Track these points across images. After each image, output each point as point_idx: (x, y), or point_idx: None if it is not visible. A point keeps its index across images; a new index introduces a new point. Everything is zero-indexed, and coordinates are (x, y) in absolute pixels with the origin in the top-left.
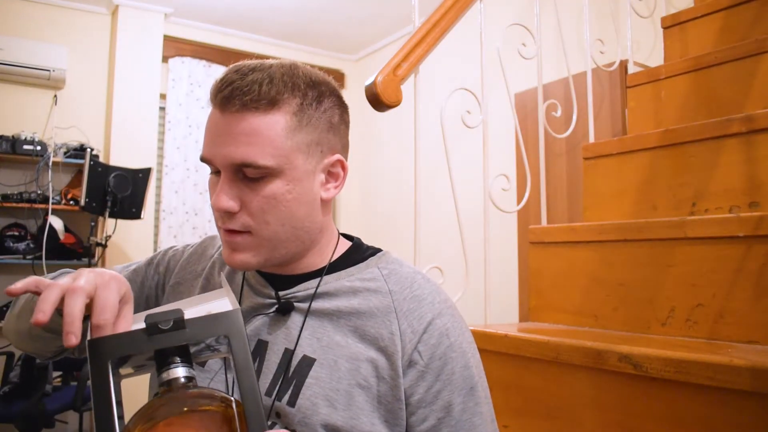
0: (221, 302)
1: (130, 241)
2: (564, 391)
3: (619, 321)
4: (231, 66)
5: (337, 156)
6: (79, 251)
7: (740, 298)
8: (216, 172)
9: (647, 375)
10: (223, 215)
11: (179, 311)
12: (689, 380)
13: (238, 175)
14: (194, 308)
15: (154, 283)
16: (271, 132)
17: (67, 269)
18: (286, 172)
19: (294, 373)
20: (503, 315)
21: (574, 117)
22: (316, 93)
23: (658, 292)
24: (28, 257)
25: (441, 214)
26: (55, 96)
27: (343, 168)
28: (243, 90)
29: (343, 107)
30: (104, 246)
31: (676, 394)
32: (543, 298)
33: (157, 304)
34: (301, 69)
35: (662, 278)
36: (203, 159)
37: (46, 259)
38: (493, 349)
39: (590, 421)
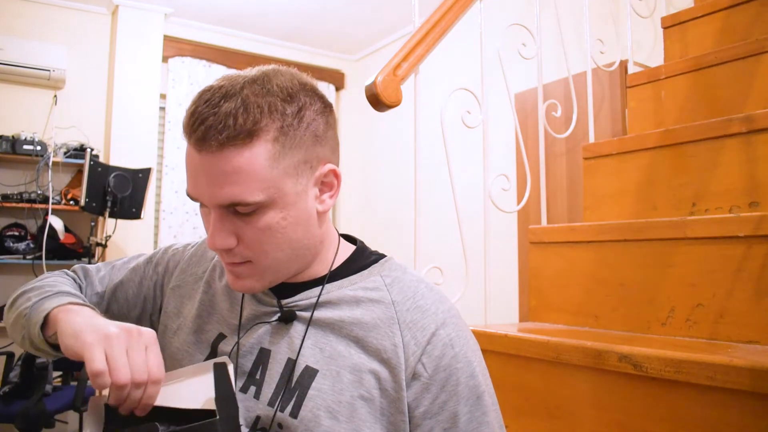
0: (206, 380)
1: (130, 241)
2: (564, 391)
3: (619, 321)
4: (201, 93)
5: (329, 166)
6: (79, 251)
7: (740, 298)
8: (205, 205)
9: (647, 375)
10: (220, 251)
11: (154, 426)
12: (689, 380)
13: (229, 210)
14: (179, 383)
15: (152, 283)
16: (255, 166)
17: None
18: (277, 200)
19: (296, 384)
20: (503, 315)
21: (574, 117)
22: (296, 108)
23: (658, 292)
24: (28, 257)
25: (441, 214)
26: (55, 96)
27: (336, 176)
28: (218, 128)
29: (326, 111)
30: (104, 246)
31: (676, 394)
32: (543, 298)
33: (155, 305)
34: (275, 81)
35: (662, 278)
36: (189, 195)
37: (46, 259)
38: (493, 349)
39: (590, 421)
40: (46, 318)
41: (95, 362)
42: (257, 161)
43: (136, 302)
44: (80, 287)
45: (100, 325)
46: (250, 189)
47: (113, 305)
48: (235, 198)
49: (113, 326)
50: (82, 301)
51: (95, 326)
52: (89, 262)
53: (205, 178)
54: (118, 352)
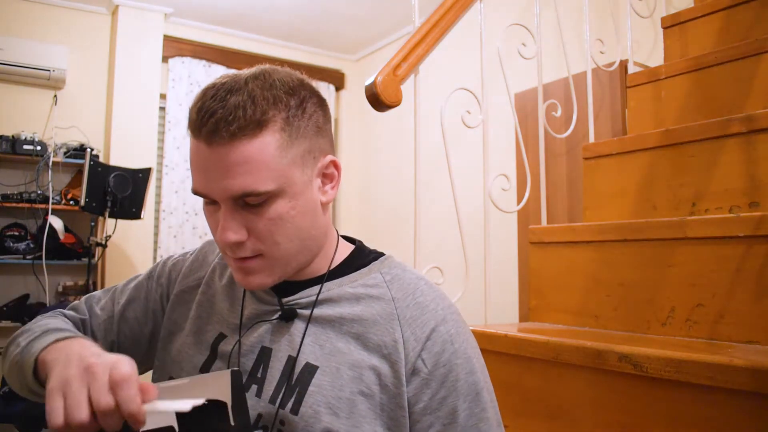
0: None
1: (130, 241)
2: (564, 391)
3: (619, 321)
4: (205, 90)
5: (330, 157)
6: (79, 251)
7: (740, 298)
8: (211, 202)
9: (647, 375)
10: (231, 246)
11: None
12: (689, 380)
13: (238, 203)
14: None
15: (158, 296)
16: (265, 155)
17: (47, 325)
18: (286, 189)
19: (297, 381)
20: (503, 315)
21: (574, 117)
22: (299, 100)
23: (658, 292)
24: (28, 257)
25: (441, 214)
26: (55, 96)
27: (336, 167)
28: (227, 120)
29: (323, 105)
30: (104, 246)
31: (676, 394)
32: (543, 298)
33: (164, 316)
34: (275, 76)
35: (662, 278)
36: (196, 192)
37: (46, 259)
38: (493, 349)
39: (590, 421)
40: (36, 363)
41: (52, 415)
42: (267, 150)
43: (146, 319)
44: (82, 320)
45: (69, 362)
46: (262, 178)
47: (123, 327)
48: (248, 188)
49: (74, 367)
50: (67, 335)
51: (64, 364)
52: (89, 262)
53: (216, 170)
54: (76, 392)
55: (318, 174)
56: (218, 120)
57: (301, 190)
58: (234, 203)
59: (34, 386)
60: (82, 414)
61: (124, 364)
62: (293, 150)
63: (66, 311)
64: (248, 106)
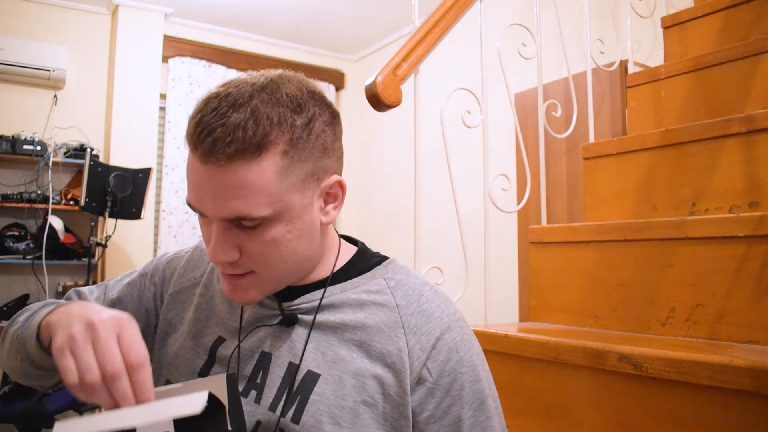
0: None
1: (130, 241)
2: (564, 391)
3: (619, 321)
4: (207, 100)
5: (334, 177)
6: (79, 251)
7: (740, 298)
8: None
9: (647, 375)
10: (222, 264)
11: None
12: (689, 380)
13: (232, 223)
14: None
15: (151, 294)
16: (263, 180)
17: (53, 301)
18: (283, 214)
19: (298, 389)
20: (503, 315)
21: (574, 117)
22: (306, 119)
23: (658, 292)
24: (28, 257)
25: (441, 214)
26: (55, 96)
27: (342, 187)
28: (226, 140)
29: (335, 122)
30: (104, 246)
31: (676, 394)
32: (543, 298)
33: (157, 316)
34: (284, 89)
35: (662, 278)
36: (190, 205)
37: (46, 259)
38: (493, 349)
39: (590, 421)
40: (39, 328)
41: (67, 374)
42: (265, 175)
43: (138, 317)
44: None
45: (72, 319)
46: (257, 203)
47: None
48: (241, 212)
49: (78, 322)
50: (70, 302)
51: (67, 321)
52: (89, 262)
53: (210, 190)
54: (81, 350)
55: (320, 195)
56: (216, 140)
57: (299, 213)
58: (227, 223)
59: (36, 353)
60: (93, 375)
61: (129, 324)
62: (294, 174)
63: (61, 300)
64: (249, 125)
